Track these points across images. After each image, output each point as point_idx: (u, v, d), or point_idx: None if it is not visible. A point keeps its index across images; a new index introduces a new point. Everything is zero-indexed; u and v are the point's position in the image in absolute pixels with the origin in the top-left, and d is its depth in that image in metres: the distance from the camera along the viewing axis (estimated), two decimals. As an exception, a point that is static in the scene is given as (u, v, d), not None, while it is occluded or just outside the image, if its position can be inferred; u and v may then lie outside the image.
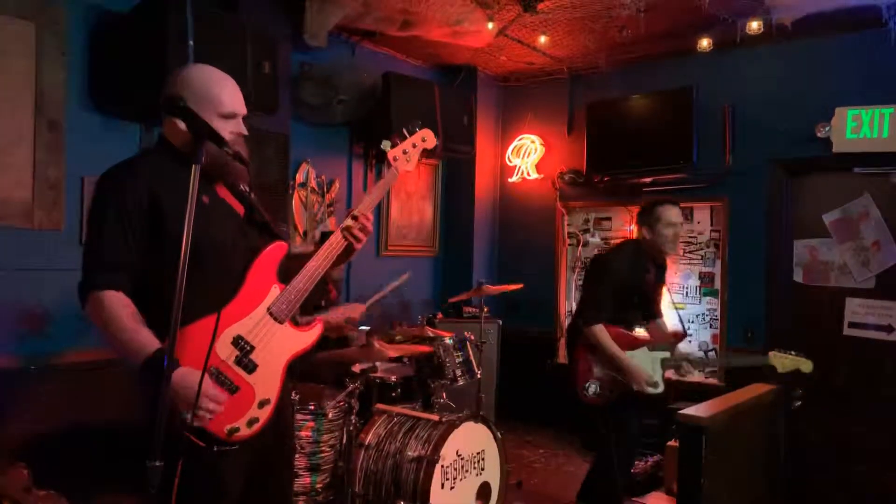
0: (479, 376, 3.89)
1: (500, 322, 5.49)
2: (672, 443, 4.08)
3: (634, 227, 3.53)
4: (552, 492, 4.33)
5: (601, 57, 5.30)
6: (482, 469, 3.49)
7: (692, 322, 5.18)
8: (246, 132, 1.93)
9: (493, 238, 6.22)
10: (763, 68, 4.78)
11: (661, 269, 3.58)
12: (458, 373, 3.74)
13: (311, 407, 3.34)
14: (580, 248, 5.80)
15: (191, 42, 3.33)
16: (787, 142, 4.64)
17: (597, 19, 4.63)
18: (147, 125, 3.73)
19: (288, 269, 1.94)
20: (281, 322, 1.87)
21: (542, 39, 5.01)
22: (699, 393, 4.46)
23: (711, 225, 5.14)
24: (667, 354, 3.37)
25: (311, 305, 3.59)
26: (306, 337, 1.94)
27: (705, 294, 5.16)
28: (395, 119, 4.71)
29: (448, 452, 3.26)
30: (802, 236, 4.71)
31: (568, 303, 5.84)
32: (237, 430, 1.75)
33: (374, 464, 3.34)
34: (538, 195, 5.99)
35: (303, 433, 3.31)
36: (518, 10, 4.47)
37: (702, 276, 5.17)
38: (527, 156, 6.02)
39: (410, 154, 2.17)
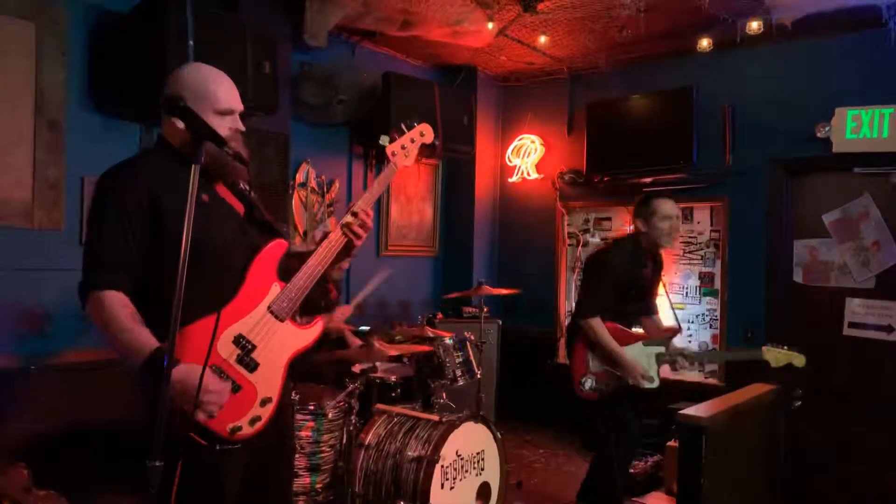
0: (479, 376, 3.89)
1: (500, 322, 5.49)
2: (672, 443, 4.08)
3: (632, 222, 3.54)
4: (552, 492, 4.33)
5: (601, 57, 5.30)
6: (482, 469, 3.49)
7: (692, 322, 5.18)
8: (243, 128, 1.93)
9: (493, 238, 6.22)
10: (763, 68, 4.78)
11: (658, 264, 3.59)
12: (458, 373, 3.74)
13: (311, 407, 3.34)
14: (580, 248, 5.80)
15: (191, 42, 3.33)
16: (787, 142, 4.64)
17: (597, 19, 4.63)
18: (147, 125, 3.73)
19: (288, 268, 1.94)
20: (282, 320, 1.87)
21: (542, 39, 5.01)
22: (699, 393, 4.46)
23: (711, 225, 5.14)
24: (662, 349, 3.38)
25: (312, 306, 3.59)
26: (307, 334, 1.95)
27: (705, 294, 5.16)
28: (395, 119, 4.70)
29: (448, 452, 3.26)
30: (802, 236, 4.71)
31: (568, 303, 5.84)
32: (239, 428, 1.75)
33: (374, 464, 3.34)
34: (538, 195, 5.99)
35: (303, 433, 3.31)
36: (518, 10, 4.47)
37: (702, 276, 5.17)
38: (527, 156, 6.02)
39: (409, 149, 2.17)
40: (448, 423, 3.34)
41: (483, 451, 3.50)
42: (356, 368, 3.65)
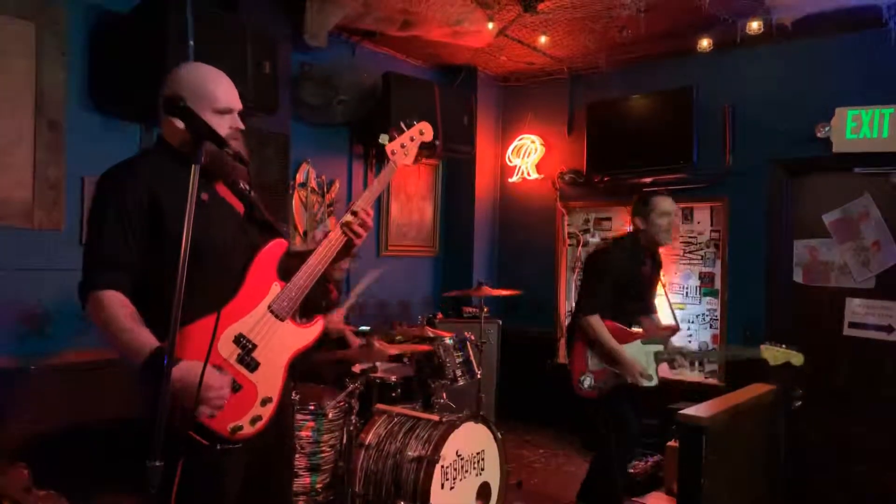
0: (479, 376, 3.89)
1: (500, 322, 5.49)
2: (672, 443, 4.09)
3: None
4: (552, 492, 4.33)
5: (601, 57, 5.31)
6: (482, 469, 3.49)
7: (692, 322, 5.18)
8: (242, 126, 1.93)
9: (493, 238, 6.22)
10: (763, 68, 4.78)
11: (657, 263, 3.59)
12: (459, 373, 3.74)
13: (312, 407, 3.34)
14: (580, 248, 5.80)
15: (191, 42, 3.33)
16: (787, 142, 4.64)
17: (597, 19, 4.63)
18: (147, 125, 3.73)
19: (288, 267, 1.94)
20: (282, 319, 1.87)
21: (543, 39, 5.01)
22: (699, 393, 4.46)
23: (711, 225, 5.14)
24: (660, 348, 3.39)
25: (313, 306, 3.59)
26: (308, 333, 1.95)
27: (705, 294, 5.16)
28: (396, 119, 4.66)
29: (448, 452, 3.26)
30: (802, 236, 4.71)
31: (568, 303, 5.84)
32: (240, 428, 1.75)
33: (375, 464, 3.34)
34: (538, 195, 5.99)
35: (303, 433, 3.31)
36: (518, 10, 4.47)
37: (702, 277, 5.17)
38: (527, 156, 6.02)
39: (408, 147, 2.17)
40: (448, 423, 3.33)
41: (483, 451, 3.50)
42: (356, 368, 3.65)
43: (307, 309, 2.06)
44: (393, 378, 3.81)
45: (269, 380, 1.83)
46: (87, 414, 3.43)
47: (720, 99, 4.92)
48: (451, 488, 3.28)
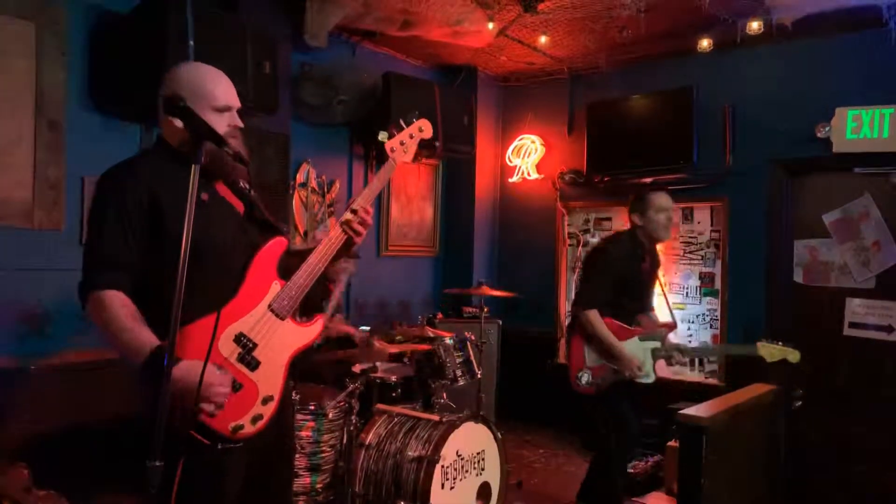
0: (479, 376, 3.89)
1: (500, 322, 5.48)
2: (672, 443, 4.09)
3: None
4: (552, 492, 4.33)
5: (601, 57, 5.30)
6: (482, 469, 3.49)
7: (692, 322, 5.18)
8: (241, 124, 1.94)
9: (493, 238, 6.22)
10: (763, 68, 4.78)
11: (654, 260, 3.60)
12: (459, 373, 3.74)
13: (312, 407, 3.34)
14: (580, 248, 5.80)
15: (191, 42, 3.33)
16: (787, 142, 4.64)
17: (597, 19, 4.63)
18: (147, 125, 3.73)
19: (288, 266, 1.95)
20: (282, 318, 1.87)
21: (543, 39, 5.01)
22: (699, 393, 4.46)
23: (711, 225, 5.14)
24: (658, 344, 3.39)
25: (313, 305, 3.59)
26: (309, 332, 1.95)
27: (705, 294, 5.16)
28: (396, 119, 4.62)
29: (448, 452, 3.26)
30: (802, 236, 4.71)
31: (568, 303, 5.83)
32: (241, 427, 1.75)
33: (375, 464, 3.34)
34: (538, 195, 5.99)
35: (303, 433, 3.31)
36: (518, 11, 4.47)
37: (702, 277, 5.17)
38: (527, 156, 6.02)
39: (408, 145, 2.17)
40: (448, 423, 3.34)
41: (483, 451, 3.50)
42: (356, 368, 3.65)
43: (307, 308, 2.06)
44: (393, 378, 3.81)
45: (270, 378, 1.83)
46: (87, 414, 3.43)
47: (720, 99, 4.92)
48: (452, 488, 3.28)
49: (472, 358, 3.83)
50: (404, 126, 2.19)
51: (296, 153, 4.55)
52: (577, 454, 5.07)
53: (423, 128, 2.20)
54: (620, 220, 5.60)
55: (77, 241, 3.48)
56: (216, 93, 1.86)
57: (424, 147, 3.77)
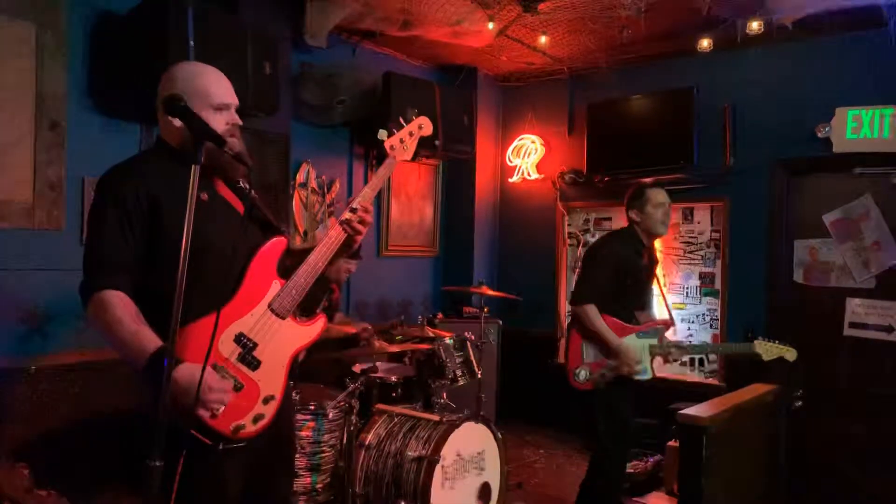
0: (479, 376, 3.89)
1: (501, 322, 5.49)
2: (672, 443, 4.09)
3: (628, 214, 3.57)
4: (552, 492, 4.33)
5: (601, 57, 5.30)
6: (482, 469, 3.49)
7: (693, 322, 5.18)
8: (240, 122, 1.93)
9: (494, 238, 6.22)
10: (763, 68, 4.78)
11: (652, 257, 3.61)
12: (459, 373, 3.73)
13: (312, 407, 3.34)
14: (580, 248, 5.80)
15: (191, 42, 3.33)
16: (788, 142, 4.64)
17: (597, 19, 4.63)
18: (147, 125, 3.73)
19: (289, 266, 1.95)
20: (283, 318, 1.87)
21: (543, 39, 5.01)
22: (699, 393, 4.46)
23: (711, 225, 5.14)
24: (655, 341, 3.39)
25: (314, 305, 3.60)
26: (310, 331, 1.95)
27: (705, 294, 5.16)
28: (396, 119, 4.69)
29: (448, 452, 3.26)
30: (802, 236, 4.71)
31: (568, 303, 5.84)
32: (243, 427, 1.75)
33: (375, 464, 3.34)
34: (538, 195, 5.99)
35: (303, 433, 3.31)
36: (518, 11, 4.47)
37: (702, 277, 5.17)
38: (527, 156, 6.02)
39: (407, 142, 2.17)
40: (448, 423, 3.33)
41: (483, 451, 3.50)
42: (356, 368, 3.65)
43: (308, 307, 2.06)
44: (393, 378, 3.81)
45: (271, 378, 1.83)
46: (87, 414, 3.44)
47: (720, 99, 4.92)
48: (452, 488, 3.28)
49: (472, 358, 3.83)
50: (403, 124, 2.18)
51: (296, 153, 4.55)
52: (577, 454, 5.07)
53: (422, 125, 2.20)
54: (620, 220, 5.56)
55: (77, 241, 3.48)
56: (213, 91, 1.86)
57: (424, 145, 3.76)
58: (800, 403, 3.93)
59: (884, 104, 4.23)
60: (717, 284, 5.06)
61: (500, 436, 3.61)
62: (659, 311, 4.07)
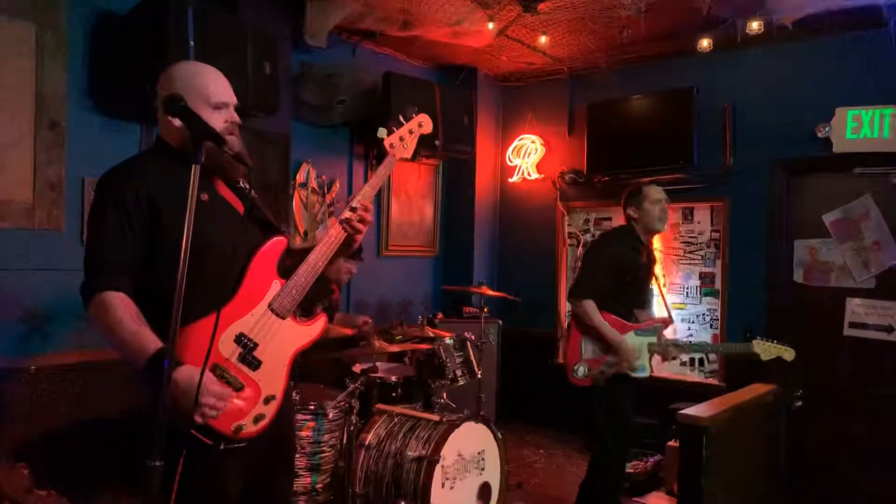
0: (479, 376, 3.89)
1: (501, 322, 5.49)
2: (672, 443, 4.09)
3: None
4: (553, 492, 4.33)
5: (601, 57, 5.31)
6: (482, 469, 3.49)
7: (693, 322, 5.18)
8: (239, 120, 1.93)
9: (494, 238, 6.22)
10: (763, 68, 4.78)
11: (651, 256, 3.61)
12: (459, 373, 3.74)
13: (312, 407, 3.34)
14: (580, 248, 5.80)
15: (191, 42, 3.33)
16: (788, 142, 4.64)
17: (597, 19, 4.63)
18: (147, 125, 3.73)
19: (289, 265, 1.94)
20: (283, 317, 1.87)
21: (543, 39, 5.01)
22: (699, 393, 4.46)
23: (711, 225, 5.14)
24: (654, 339, 3.40)
25: (314, 305, 3.60)
26: (310, 330, 1.95)
27: (705, 294, 5.16)
28: (396, 119, 4.70)
29: (448, 452, 3.26)
30: (803, 236, 4.71)
31: (568, 303, 5.84)
32: (243, 427, 1.75)
33: (375, 464, 3.34)
34: (538, 195, 5.99)
35: (303, 433, 3.31)
36: (518, 11, 4.47)
37: (702, 277, 5.17)
38: (527, 156, 6.02)
39: (407, 140, 2.16)
40: (449, 423, 3.34)
41: (483, 451, 3.50)
42: (356, 368, 3.65)
43: (308, 307, 2.06)
44: (393, 378, 3.81)
45: (272, 378, 1.83)
46: (87, 414, 3.44)
47: (720, 99, 4.92)
48: (452, 488, 3.28)
49: (472, 358, 3.83)
50: (403, 122, 2.17)
51: (296, 153, 4.54)
52: (577, 454, 5.07)
53: (422, 123, 2.19)
54: (620, 220, 5.52)
55: (77, 241, 3.48)
56: (212, 89, 1.86)
57: (424, 145, 3.76)
58: (800, 403, 3.93)
59: (884, 104, 4.23)
60: (717, 284, 5.06)
61: (500, 436, 3.61)
62: (658, 309, 4.08)
